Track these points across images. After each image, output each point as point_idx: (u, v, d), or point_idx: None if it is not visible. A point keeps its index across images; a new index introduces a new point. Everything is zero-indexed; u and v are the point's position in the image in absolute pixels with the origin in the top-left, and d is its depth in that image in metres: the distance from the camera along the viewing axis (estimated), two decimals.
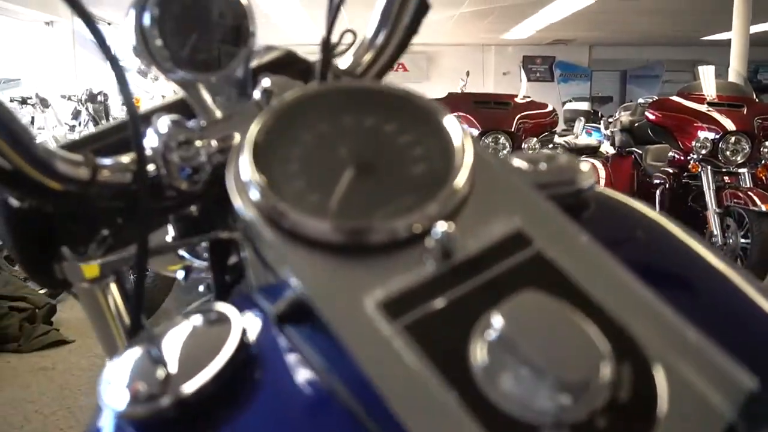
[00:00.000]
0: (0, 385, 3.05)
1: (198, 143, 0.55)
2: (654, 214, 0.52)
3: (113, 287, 0.65)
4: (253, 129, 0.42)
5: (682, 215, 4.46)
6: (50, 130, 5.13)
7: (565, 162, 0.49)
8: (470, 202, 0.40)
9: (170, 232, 0.65)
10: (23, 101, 5.38)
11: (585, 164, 0.49)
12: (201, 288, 0.78)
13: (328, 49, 0.57)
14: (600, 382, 0.30)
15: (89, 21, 0.48)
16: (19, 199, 0.54)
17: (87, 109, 5.67)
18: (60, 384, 3.01)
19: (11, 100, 5.52)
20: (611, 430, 0.29)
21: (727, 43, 7.41)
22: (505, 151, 4.52)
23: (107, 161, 0.53)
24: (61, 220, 0.56)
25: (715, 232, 4.07)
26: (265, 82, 0.60)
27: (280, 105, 0.43)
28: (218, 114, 0.58)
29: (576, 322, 0.32)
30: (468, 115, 4.62)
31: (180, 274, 0.77)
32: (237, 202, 0.41)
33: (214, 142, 0.56)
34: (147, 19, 0.53)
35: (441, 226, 0.36)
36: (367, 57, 0.65)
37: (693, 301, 0.45)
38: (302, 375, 0.39)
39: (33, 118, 5.21)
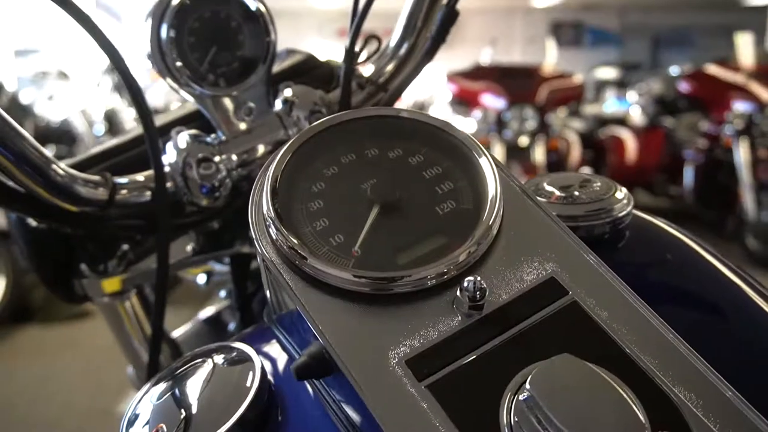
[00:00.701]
0: (25, 362, 3.12)
1: (218, 159, 0.54)
2: (690, 241, 0.49)
3: (134, 300, 0.64)
4: (275, 162, 0.40)
5: (714, 190, 4.36)
6: (72, 104, 5.10)
7: (601, 188, 0.46)
8: (500, 243, 0.37)
9: (192, 240, 0.64)
10: (44, 75, 5.36)
11: (621, 191, 0.46)
12: (222, 293, 0.77)
13: (351, 59, 0.55)
14: None
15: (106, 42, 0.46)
16: (37, 221, 0.53)
17: (110, 80, 5.65)
18: (85, 359, 3.06)
19: (33, 75, 5.52)
20: None
21: (766, 8, 7.10)
22: (531, 121, 4.44)
23: (125, 180, 0.52)
24: (80, 238, 0.55)
25: (748, 208, 3.97)
26: (287, 91, 0.58)
27: (302, 137, 0.41)
28: (241, 127, 0.56)
29: (612, 392, 0.30)
30: (495, 87, 4.54)
31: (201, 279, 0.76)
32: (256, 237, 0.39)
33: (234, 157, 0.55)
34: (164, 33, 0.51)
35: (470, 279, 0.34)
36: (390, 67, 0.62)
37: (728, 336, 0.43)
38: (322, 422, 0.38)
39: (51, 96, 5.19)
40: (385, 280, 0.35)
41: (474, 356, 0.33)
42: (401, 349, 0.33)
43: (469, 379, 0.32)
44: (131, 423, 0.40)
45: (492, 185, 0.38)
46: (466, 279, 0.34)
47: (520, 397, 0.30)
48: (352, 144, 0.42)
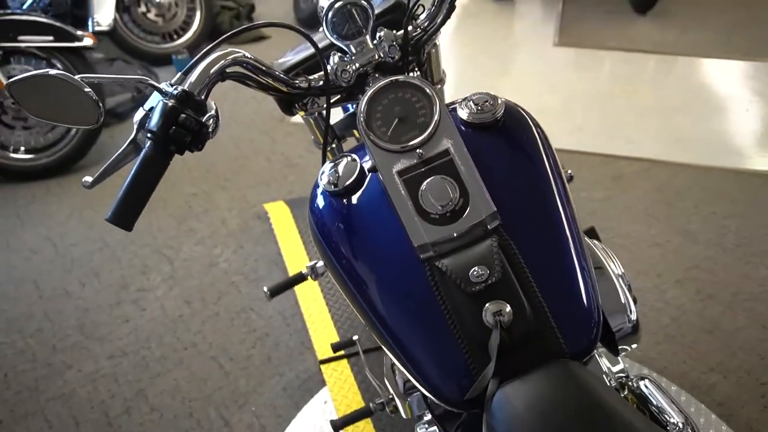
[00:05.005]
0: None
1: (348, 67, 1.28)
2: (534, 127, 1.17)
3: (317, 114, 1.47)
4: (366, 98, 1.12)
5: None
6: None
7: (492, 105, 1.14)
8: (436, 134, 1.10)
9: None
10: None
11: (499, 102, 1.14)
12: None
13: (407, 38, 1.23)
14: (452, 208, 1.06)
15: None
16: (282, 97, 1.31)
17: None
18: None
19: None
20: (452, 215, 1.07)
21: None
22: None
23: (313, 77, 1.28)
24: (295, 97, 1.34)
25: None
26: (379, 32, 1.27)
27: (376, 87, 1.12)
28: (359, 51, 1.28)
29: (450, 186, 1.05)
30: None
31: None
32: (360, 123, 1.15)
33: (357, 65, 1.28)
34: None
35: (419, 150, 1.09)
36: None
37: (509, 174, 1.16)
38: (377, 183, 1.19)
39: None
40: (397, 147, 1.10)
41: (416, 172, 1.08)
42: (397, 167, 1.09)
43: (414, 178, 1.06)
44: (321, 175, 1.23)
45: (437, 112, 1.10)
46: (418, 150, 1.09)
47: (424, 186, 1.06)
48: (392, 91, 1.13)
